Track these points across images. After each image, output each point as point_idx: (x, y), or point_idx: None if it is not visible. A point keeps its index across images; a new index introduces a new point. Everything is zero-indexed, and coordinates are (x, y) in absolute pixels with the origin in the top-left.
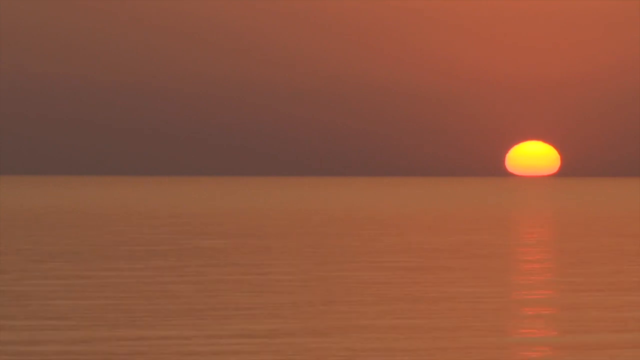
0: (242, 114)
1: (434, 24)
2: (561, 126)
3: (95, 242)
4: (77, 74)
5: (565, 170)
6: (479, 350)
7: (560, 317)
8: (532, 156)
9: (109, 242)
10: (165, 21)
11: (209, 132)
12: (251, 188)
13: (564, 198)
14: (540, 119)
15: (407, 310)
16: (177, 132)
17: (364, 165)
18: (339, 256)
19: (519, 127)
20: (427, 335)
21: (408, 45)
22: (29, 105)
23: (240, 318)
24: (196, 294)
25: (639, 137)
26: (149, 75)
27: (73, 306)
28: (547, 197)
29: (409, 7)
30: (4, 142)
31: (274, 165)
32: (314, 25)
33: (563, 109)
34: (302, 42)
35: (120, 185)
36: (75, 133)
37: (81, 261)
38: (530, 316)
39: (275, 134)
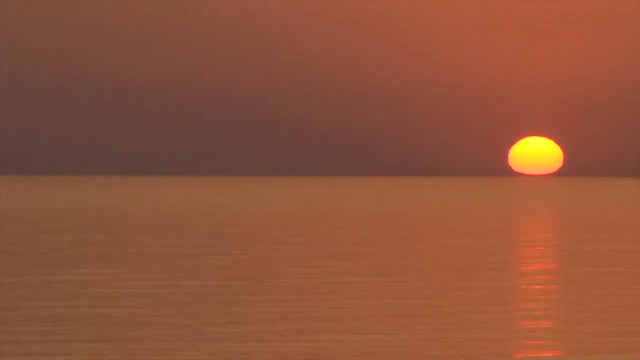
0: (240, 114)
1: (434, 22)
2: (564, 122)
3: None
4: (77, 74)
5: (569, 167)
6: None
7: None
8: (536, 153)
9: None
10: (167, 21)
11: (209, 132)
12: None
13: (587, 203)
14: (543, 115)
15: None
16: (177, 132)
17: (363, 165)
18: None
19: (521, 123)
20: None
21: (407, 44)
22: (29, 105)
23: None
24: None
25: None
26: (151, 74)
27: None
28: (563, 201)
29: (407, 6)
30: (4, 142)
31: (271, 165)
32: (314, 25)
33: (566, 105)
34: (301, 41)
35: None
36: (75, 133)
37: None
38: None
39: (274, 134)
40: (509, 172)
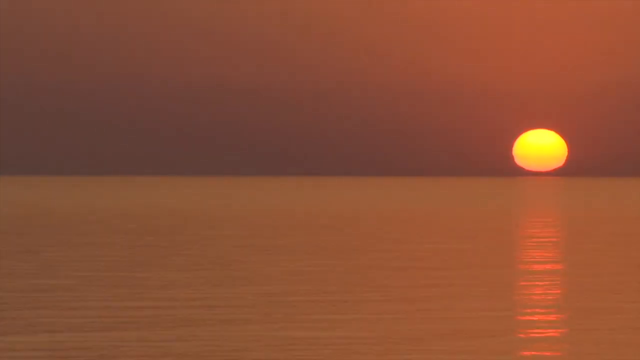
0: (240, 114)
1: (434, 23)
2: (568, 114)
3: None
4: (78, 74)
5: (573, 161)
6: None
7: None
8: (539, 147)
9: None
10: (168, 20)
11: (212, 132)
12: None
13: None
14: (546, 107)
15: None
16: (176, 132)
17: (366, 165)
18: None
19: (524, 116)
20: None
21: (407, 44)
22: (29, 105)
23: None
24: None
25: None
26: (152, 74)
27: None
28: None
29: (407, 7)
30: (4, 142)
31: (271, 165)
32: (313, 27)
33: (569, 97)
34: (306, 44)
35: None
36: (74, 133)
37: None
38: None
39: (275, 134)
40: (514, 169)
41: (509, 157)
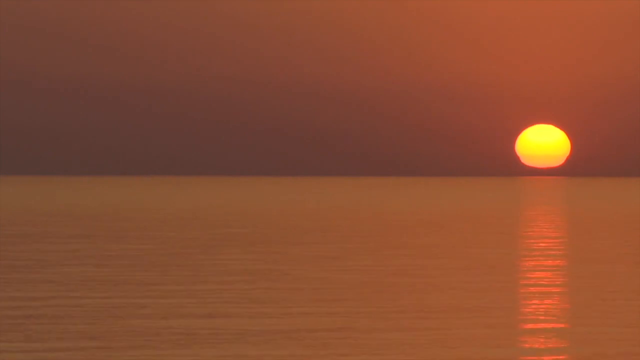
0: (239, 114)
1: (435, 22)
2: (570, 110)
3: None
4: (79, 73)
5: (575, 157)
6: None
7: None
8: (542, 144)
9: None
10: (166, 20)
11: (213, 132)
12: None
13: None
14: (548, 103)
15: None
16: (177, 132)
17: (365, 164)
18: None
19: (525, 113)
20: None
21: (406, 44)
22: (29, 105)
23: None
24: None
25: None
26: (153, 75)
27: None
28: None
29: (407, 6)
30: (4, 142)
31: (270, 165)
32: (311, 26)
33: (571, 93)
34: (301, 42)
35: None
36: (75, 133)
37: None
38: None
39: (276, 134)
40: (518, 167)
41: (512, 154)
